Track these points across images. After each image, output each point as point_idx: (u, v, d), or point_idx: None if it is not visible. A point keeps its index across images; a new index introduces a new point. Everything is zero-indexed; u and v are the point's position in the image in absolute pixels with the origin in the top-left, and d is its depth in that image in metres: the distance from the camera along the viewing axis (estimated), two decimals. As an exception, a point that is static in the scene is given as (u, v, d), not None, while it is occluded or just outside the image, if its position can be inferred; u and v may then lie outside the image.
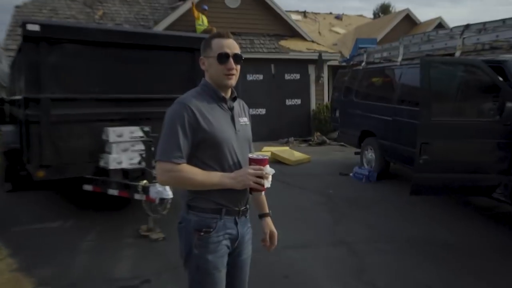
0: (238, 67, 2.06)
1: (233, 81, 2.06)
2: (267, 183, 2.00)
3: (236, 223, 2.09)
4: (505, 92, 5.14)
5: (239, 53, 2.05)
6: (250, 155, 2.04)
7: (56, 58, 5.12)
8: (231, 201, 2.05)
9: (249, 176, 1.94)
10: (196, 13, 12.77)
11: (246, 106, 2.29)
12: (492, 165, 5.21)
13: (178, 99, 2.01)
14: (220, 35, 2.06)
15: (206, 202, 2.01)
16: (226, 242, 2.06)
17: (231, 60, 2.02)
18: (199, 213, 2.02)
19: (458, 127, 5.24)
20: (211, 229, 2.01)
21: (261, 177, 1.96)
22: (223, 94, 2.07)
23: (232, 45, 2.04)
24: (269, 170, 2.00)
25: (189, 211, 2.04)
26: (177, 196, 4.58)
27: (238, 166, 2.04)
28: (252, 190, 2.05)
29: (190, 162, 1.96)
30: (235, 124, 2.08)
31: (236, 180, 1.95)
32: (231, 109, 2.10)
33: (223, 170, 2.00)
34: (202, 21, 12.87)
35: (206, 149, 1.98)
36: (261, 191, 2.03)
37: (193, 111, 1.93)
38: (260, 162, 1.99)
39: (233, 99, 2.13)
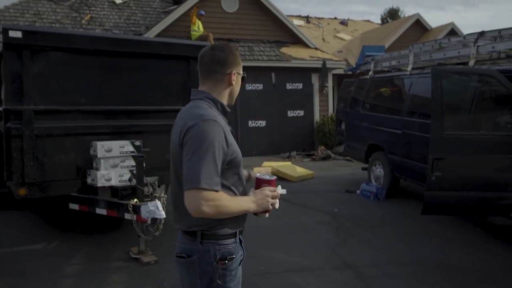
0: None
1: None
2: (277, 204, 2.09)
3: (241, 242, 2.15)
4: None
5: None
6: (257, 175, 2.11)
7: (40, 67, 5.18)
8: (242, 222, 2.12)
9: (268, 198, 2.04)
10: (194, 18, 12.91)
11: None
12: (510, 182, 5.25)
13: (202, 115, 1.94)
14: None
15: (224, 228, 2.02)
16: (239, 266, 2.12)
17: None
18: (218, 241, 2.01)
19: (472, 141, 5.30)
20: (234, 256, 2.05)
21: (274, 198, 2.07)
22: (228, 109, 2.16)
23: None
24: (281, 190, 2.11)
25: (203, 241, 2.00)
26: (170, 216, 4.60)
27: (244, 187, 2.12)
28: (257, 212, 2.09)
29: None
30: (237, 141, 2.15)
31: (257, 203, 2.03)
32: (229, 124, 2.17)
33: (237, 190, 2.06)
34: (198, 27, 13.00)
35: (229, 171, 2.01)
36: (268, 212, 2.10)
37: (224, 131, 1.95)
38: (271, 183, 2.08)
39: None
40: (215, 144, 1.88)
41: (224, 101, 2.13)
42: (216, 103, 2.09)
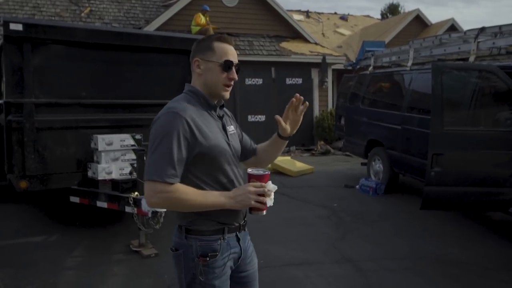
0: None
1: (229, 93, 2.07)
2: (270, 201, 1.96)
3: (238, 240, 2.09)
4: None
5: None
6: (249, 170, 2.00)
7: (41, 60, 5.20)
8: (232, 217, 2.04)
9: (250, 195, 1.91)
10: (198, 18, 12.84)
11: (229, 113, 2.28)
12: (509, 178, 5.28)
13: (168, 107, 1.93)
14: (223, 40, 2.03)
15: (208, 223, 1.98)
16: (230, 263, 2.06)
17: (234, 70, 2.03)
18: (201, 236, 1.98)
19: (472, 137, 5.32)
20: (217, 253, 1.98)
21: (263, 195, 1.93)
22: (214, 102, 2.07)
23: (235, 54, 2.05)
24: (271, 186, 1.96)
25: (188, 236, 1.99)
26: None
27: (236, 181, 2.04)
28: (251, 209, 1.98)
29: (184, 179, 1.91)
30: (227, 135, 2.09)
31: (235, 200, 1.91)
32: (221, 117, 2.11)
33: (220, 186, 1.99)
34: (201, 20, 12.95)
35: (203, 164, 1.94)
36: (262, 210, 1.96)
37: (188, 123, 1.87)
38: (260, 178, 1.95)
39: (221, 106, 2.13)
40: (173, 135, 1.83)
41: (208, 94, 2.04)
42: (199, 96, 2.03)
